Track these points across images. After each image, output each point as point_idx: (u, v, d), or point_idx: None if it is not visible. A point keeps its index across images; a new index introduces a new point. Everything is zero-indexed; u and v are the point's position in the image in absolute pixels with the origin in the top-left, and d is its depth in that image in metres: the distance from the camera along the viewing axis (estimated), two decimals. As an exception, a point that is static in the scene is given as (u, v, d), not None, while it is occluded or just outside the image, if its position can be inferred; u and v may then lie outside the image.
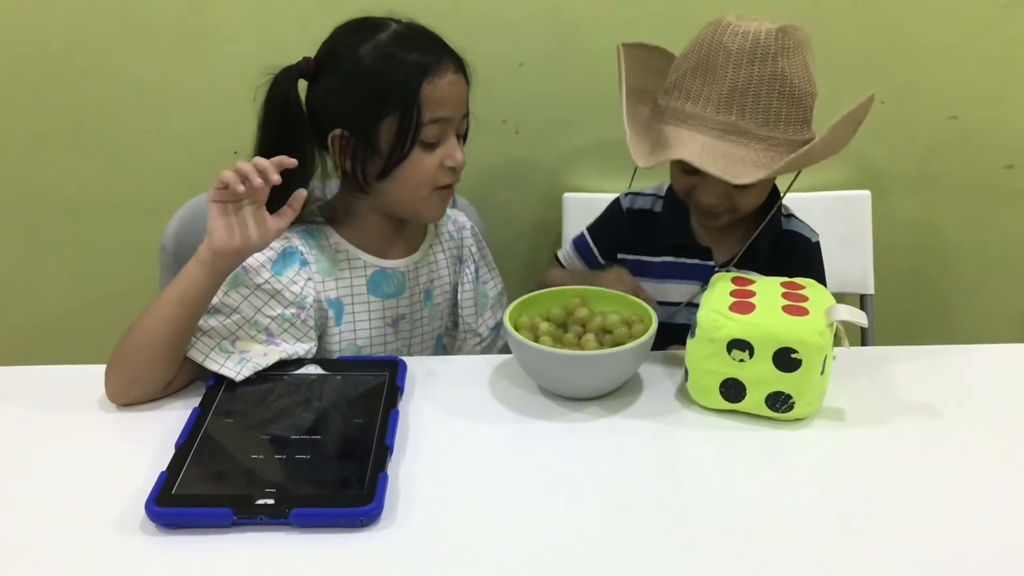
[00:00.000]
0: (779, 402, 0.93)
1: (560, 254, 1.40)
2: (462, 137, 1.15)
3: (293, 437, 0.89)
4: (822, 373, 0.92)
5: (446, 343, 1.31)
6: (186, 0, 1.45)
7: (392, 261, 1.19)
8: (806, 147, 1.04)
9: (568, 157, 1.59)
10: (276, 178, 0.96)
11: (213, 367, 0.98)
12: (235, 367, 0.98)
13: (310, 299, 1.10)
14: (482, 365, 1.07)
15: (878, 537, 0.77)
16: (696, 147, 1.08)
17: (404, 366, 1.02)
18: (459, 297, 1.28)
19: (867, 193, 1.58)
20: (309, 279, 1.11)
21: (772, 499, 0.83)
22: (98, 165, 1.55)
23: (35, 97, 1.50)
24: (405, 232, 1.21)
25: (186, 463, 0.84)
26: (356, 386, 0.99)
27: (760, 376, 0.92)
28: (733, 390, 0.94)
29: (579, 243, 1.37)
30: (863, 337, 1.53)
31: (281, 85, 1.09)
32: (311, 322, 1.10)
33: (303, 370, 1.01)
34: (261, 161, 0.96)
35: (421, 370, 1.05)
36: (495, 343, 1.31)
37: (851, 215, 1.58)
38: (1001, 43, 1.52)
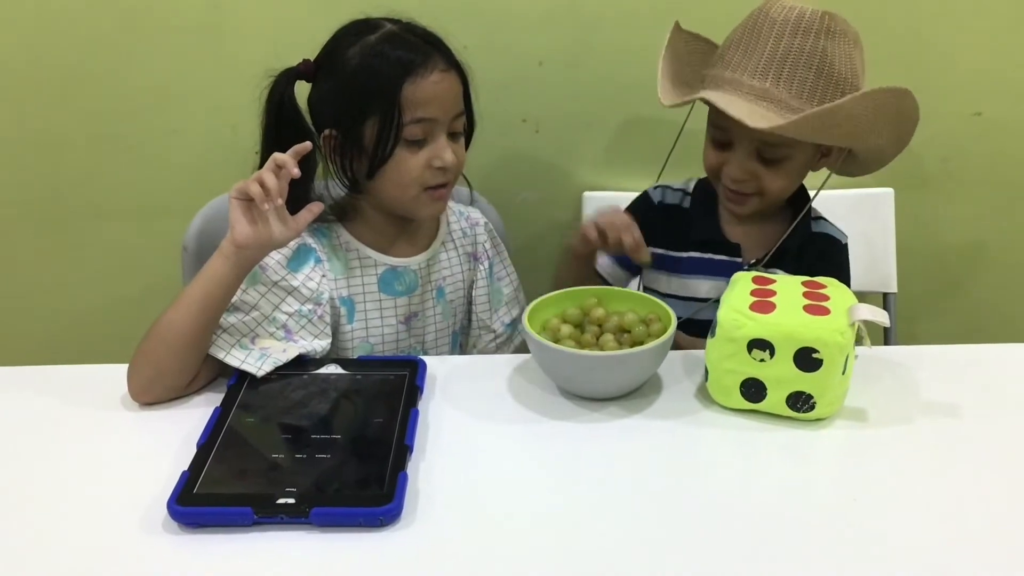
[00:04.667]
0: (800, 402, 0.92)
1: (598, 268, 1.40)
2: (458, 136, 1.15)
3: (313, 436, 0.89)
4: (843, 373, 0.91)
5: (462, 341, 1.31)
6: (197, 2, 1.46)
7: (403, 259, 1.20)
8: (829, 105, 1.04)
9: (588, 156, 1.59)
10: (296, 171, 0.96)
11: (234, 363, 0.99)
12: (256, 363, 0.99)
13: (326, 295, 1.11)
14: (501, 365, 1.07)
15: (900, 538, 0.77)
16: (723, 99, 1.10)
17: (424, 366, 1.03)
18: (473, 294, 1.28)
19: (890, 191, 1.57)
20: (324, 276, 1.12)
21: (793, 499, 0.83)
22: (120, 166, 1.56)
23: (56, 99, 1.51)
24: (413, 229, 1.22)
25: (207, 462, 0.84)
26: (376, 385, 0.99)
27: (781, 376, 0.92)
28: (753, 390, 0.94)
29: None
30: (885, 336, 1.52)
31: (279, 86, 1.11)
32: (327, 318, 1.11)
33: (323, 370, 1.01)
34: (280, 156, 0.97)
35: (441, 370, 1.05)
36: (511, 340, 1.31)
37: (874, 213, 1.57)
38: (1025, 39, 1.51)
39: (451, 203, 1.29)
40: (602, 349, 1.00)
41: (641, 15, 1.46)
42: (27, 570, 0.74)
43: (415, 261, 1.21)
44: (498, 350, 1.30)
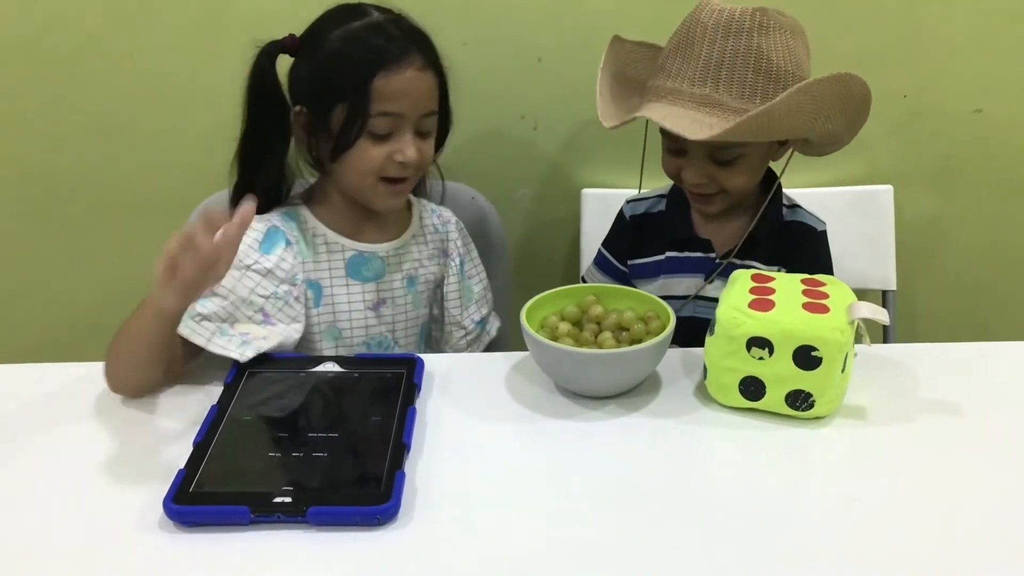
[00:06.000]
0: (799, 400, 0.92)
1: (585, 275, 1.41)
2: (427, 135, 1.15)
3: (310, 435, 0.89)
4: (843, 371, 0.91)
5: (436, 335, 1.32)
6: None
7: (371, 245, 1.21)
8: (765, 106, 1.04)
9: (587, 153, 1.58)
10: (205, 248, 0.87)
11: (216, 350, 0.99)
12: (238, 349, 1.00)
13: (300, 276, 1.13)
14: (500, 363, 1.06)
15: (899, 537, 0.77)
16: (663, 112, 1.11)
17: (422, 364, 1.02)
18: (445, 290, 1.29)
19: (889, 188, 1.57)
20: (295, 257, 1.13)
21: (792, 498, 0.83)
22: (119, 162, 1.55)
23: (56, 95, 1.51)
24: (380, 218, 1.22)
25: (204, 461, 0.84)
26: (373, 384, 0.98)
27: (780, 374, 0.91)
28: (752, 388, 0.94)
29: (599, 260, 1.39)
30: (885, 334, 1.51)
31: (263, 57, 1.12)
32: (303, 300, 1.12)
33: (320, 367, 1.01)
34: (189, 232, 0.87)
35: (439, 368, 1.05)
36: (480, 338, 1.33)
37: (873, 210, 1.57)
38: (1026, 35, 1.50)
39: (424, 201, 1.30)
40: (600, 347, 0.99)
41: (639, 12, 1.45)
42: (23, 569, 0.74)
43: (382, 248, 1.21)
44: (468, 347, 1.31)
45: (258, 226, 1.12)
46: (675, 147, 1.20)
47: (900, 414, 0.95)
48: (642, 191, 1.34)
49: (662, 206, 1.32)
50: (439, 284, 1.29)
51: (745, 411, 0.95)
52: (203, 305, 1.02)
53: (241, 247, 1.05)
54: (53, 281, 1.64)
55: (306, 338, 1.16)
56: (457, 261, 1.29)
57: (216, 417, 0.91)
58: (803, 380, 0.91)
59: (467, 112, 1.50)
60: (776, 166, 1.24)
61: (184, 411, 0.96)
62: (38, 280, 1.64)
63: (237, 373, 0.99)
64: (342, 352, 1.20)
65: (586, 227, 1.56)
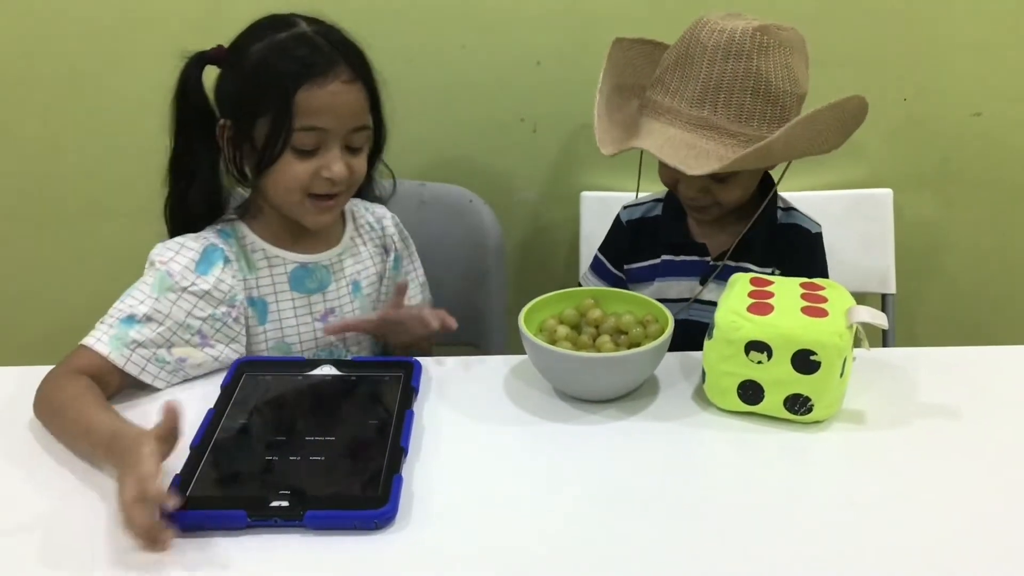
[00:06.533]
0: (797, 404, 0.92)
1: (582, 280, 1.41)
2: (357, 151, 1.11)
3: (307, 438, 0.89)
4: (841, 375, 0.91)
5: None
6: (198, 2, 1.45)
7: (313, 255, 1.17)
8: (763, 142, 1.03)
9: (585, 155, 1.58)
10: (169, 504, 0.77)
11: (147, 380, 1.01)
12: (168, 378, 1.02)
13: (240, 296, 1.09)
14: (497, 366, 1.06)
15: (897, 541, 0.76)
16: (661, 139, 1.10)
17: (419, 367, 1.02)
18: (383, 285, 1.25)
19: (888, 191, 1.57)
20: (234, 276, 1.09)
21: (790, 502, 0.82)
22: (115, 165, 1.55)
23: (47, 99, 1.50)
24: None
25: (200, 465, 0.84)
26: (371, 387, 0.98)
27: (778, 378, 0.91)
28: (751, 392, 0.93)
29: (595, 265, 1.38)
30: (884, 338, 1.51)
31: (189, 67, 1.09)
32: (242, 320, 1.09)
33: (318, 371, 1.01)
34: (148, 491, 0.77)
35: (436, 371, 1.04)
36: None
37: (872, 214, 1.56)
38: (1024, 39, 1.50)
39: (356, 200, 1.25)
40: (599, 351, 0.99)
41: (638, 14, 1.45)
42: (18, 571, 0.74)
43: (325, 256, 1.17)
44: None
45: (194, 245, 1.08)
46: None
47: (899, 418, 0.95)
48: (640, 195, 1.34)
49: (658, 211, 1.32)
50: (381, 281, 1.25)
51: (743, 415, 0.95)
52: (139, 331, 1.00)
53: (176, 268, 1.05)
54: (47, 284, 1.63)
55: (253, 355, 1.12)
56: (392, 256, 1.26)
57: (212, 421, 0.91)
58: (802, 384, 0.91)
59: (466, 115, 1.50)
60: (775, 171, 1.24)
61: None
62: (32, 283, 1.63)
63: (234, 376, 0.98)
64: None
65: (585, 230, 1.56)
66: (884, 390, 1.00)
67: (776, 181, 1.23)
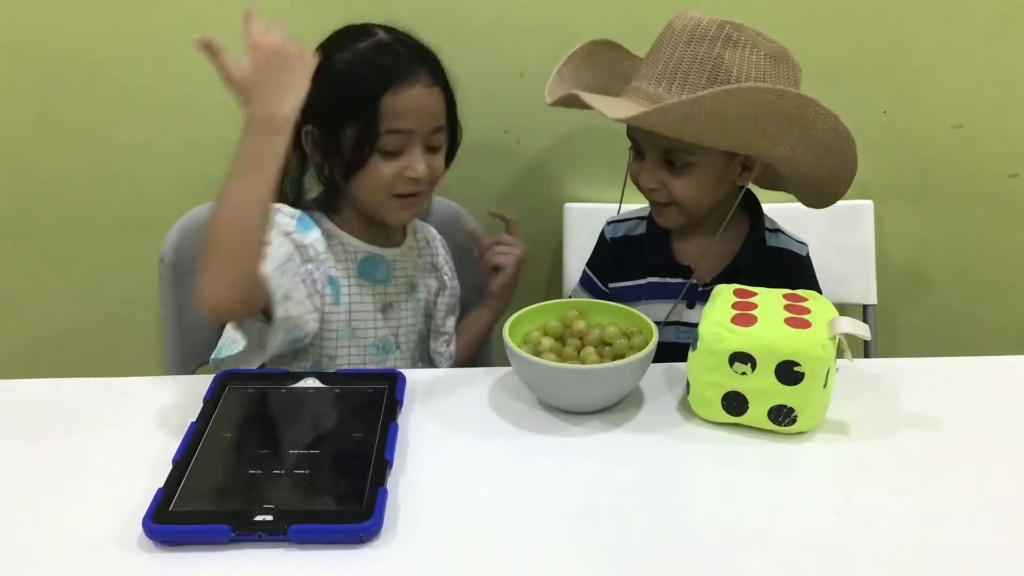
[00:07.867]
0: (781, 415, 0.92)
1: (571, 295, 1.41)
2: (437, 150, 1.18)
3: (291, 452, 0.88)
4: (825, 386, 0.91)
5: (430, 347, 1.33)
6: (186, 9, 1.45)
7: (380, 248, 1.23)
8: (687, 97, 1.04)
9: (569, 167, 1.59)
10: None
11: (274, 284, 1.03)
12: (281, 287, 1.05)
13: (323, 268, 1.15)
14: (481, 378, 1.06)
15: (881, 552, 0.77)
16: (603, 100, 1.12)
17: (403, 379, 1.02)
18: (438, 300, 1.32)
19: (869, 203, 1.58)
20: (323, 245, 1.16)
21: (774, 513, 0.83)
22: (98, 175, 1.54)
23: (34, 107, 1.50)
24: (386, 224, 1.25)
25: (183, 479, 0.83)
26: (355, 399, 0.98)
27: (762, 389, 0.91)
28: (735, 403, 0.94)
29: (584, 281, 1.39)
30: (866, 349, 1.52)
31: None
32: (324, 292, 1.15)
33: (301, 383, 1.00)
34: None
35: (421, 383, 1.04)
36: (452, 339, 1.36)
37: (853, 225, 1.58)
38: (1004, 52, 1.52)
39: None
40: (583, 362, 0.99)
41: (622, 27, 1.46)
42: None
43: (390, 252, 1.25)
44: (446, 347, 1.34)
45: (291, 211, 1.15)
46: (636, 148, 1.22)
47: (882, 429, 0.95)
48: (624, 211, 1.34)
49: (642, 229, 1.32)
50: (435, 295, 1.32)
51: (728, 426, 0.95)
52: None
53: (281, 219, 1.11)
54: (27, 297, 1.62)
55: (324, 337, 1.18)
56: (449, 275, 1.33)
57: (195, 434, 0.90)
58: (785, 395, 0.91)
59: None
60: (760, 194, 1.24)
61: (162, 428, 0.95)
62: (12, 296, 1.62)
63: (216, 389, 0.98)
64: (354, 353, 1.21)
65: (568, 241, 1.56)
66: (867, 401, 1.00)
67: (740, 188, 1.21)
